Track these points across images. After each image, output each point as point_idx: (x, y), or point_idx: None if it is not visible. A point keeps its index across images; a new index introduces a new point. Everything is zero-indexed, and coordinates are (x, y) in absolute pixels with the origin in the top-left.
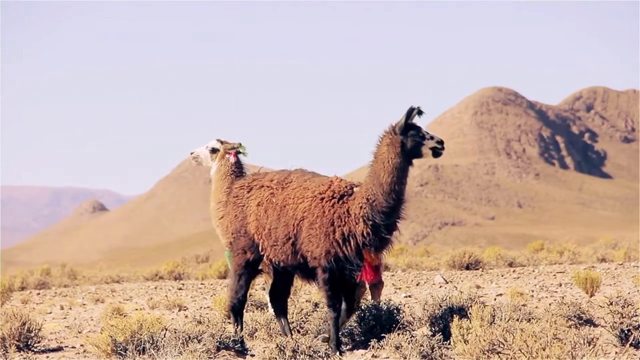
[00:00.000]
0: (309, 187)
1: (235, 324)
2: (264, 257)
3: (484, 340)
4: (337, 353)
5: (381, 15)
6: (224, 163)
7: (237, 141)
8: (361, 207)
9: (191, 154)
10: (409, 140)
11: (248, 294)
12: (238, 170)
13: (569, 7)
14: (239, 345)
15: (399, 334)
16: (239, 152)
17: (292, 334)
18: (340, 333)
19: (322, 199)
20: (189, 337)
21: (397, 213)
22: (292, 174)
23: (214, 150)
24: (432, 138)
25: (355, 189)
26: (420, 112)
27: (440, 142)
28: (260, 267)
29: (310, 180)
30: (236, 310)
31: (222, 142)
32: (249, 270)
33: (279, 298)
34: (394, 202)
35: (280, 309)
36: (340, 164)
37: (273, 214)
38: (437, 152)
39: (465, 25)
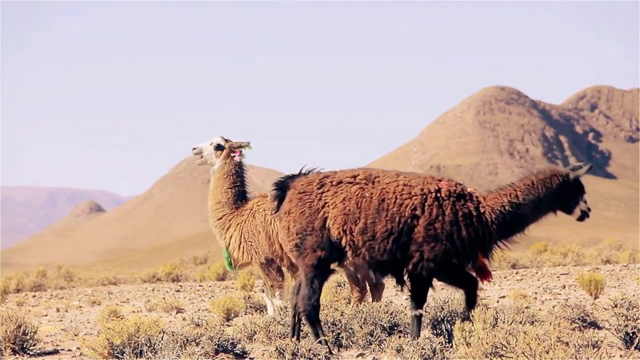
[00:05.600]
0: (412, 184)
1: (315, 333)
2: (349, 255)
3: (487, 343)
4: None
5: (383, 14)
6: (228, 162)
7: (245, 140)
8: (503, 208)
9: (194, 149)
10: (575, 193)
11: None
12: (240, 170)
13: (573, 5)
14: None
15: (400, 337)
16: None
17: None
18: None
19: (438, 197)
20: (187, 339)
21: (525, 228)
22: (371, 171)
23: (218, 147)
24: (585, 202)
25: (469, 190)
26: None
27: (589, 209)
28: (332, 267)
29: (406, 176)
30: (313, 318)
31: (226, 140)
32: (321, 271)
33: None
34: (532, 222)
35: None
36: (338, 164)
37: (369, 207)
38: (583, 217)
39: (468, 24)
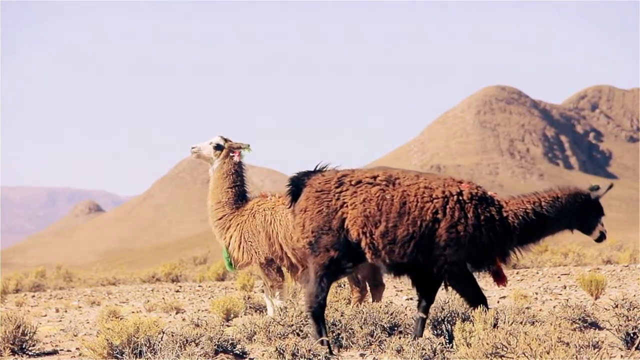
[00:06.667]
0: (433, 186)
1: (317, 331)
2: (368, 257)
3: (487, 344)
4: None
5: (383, 13)
6: (227, 162)
7: (245, 142)
8: (526, 214)
9: (192, 148)
10: (595, 213)
11: (326, 297)
12: (240, 170)
13: (574, 5)
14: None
15: (400, 337)
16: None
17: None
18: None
19: (460, 200)
20: (187, 340)
21: (541, 239)
22: (391, 171)
23: (217, 147)
24: (603, 224)
25: (490, 193)
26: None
27: (606, 231)
28: (343, 267)
29: (426, 178)
30: (317, 316)
31: (225, 140)
32: (332, 271)
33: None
34: (548, 234)
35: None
36: (338, 164)
37: (390, 210)
38: (601, 238)
39: (468, 23)
